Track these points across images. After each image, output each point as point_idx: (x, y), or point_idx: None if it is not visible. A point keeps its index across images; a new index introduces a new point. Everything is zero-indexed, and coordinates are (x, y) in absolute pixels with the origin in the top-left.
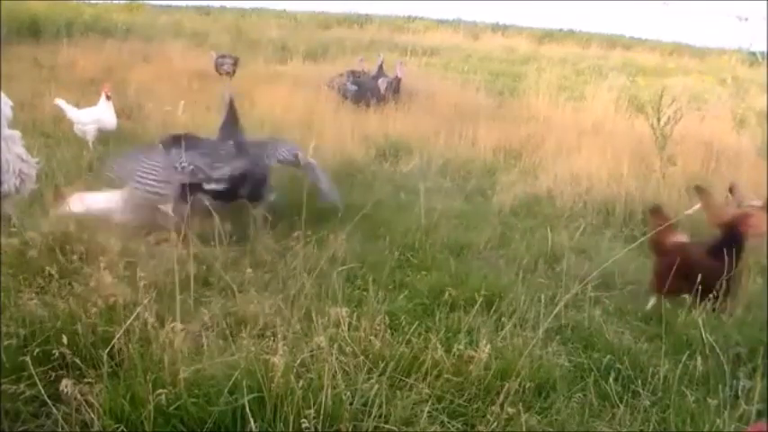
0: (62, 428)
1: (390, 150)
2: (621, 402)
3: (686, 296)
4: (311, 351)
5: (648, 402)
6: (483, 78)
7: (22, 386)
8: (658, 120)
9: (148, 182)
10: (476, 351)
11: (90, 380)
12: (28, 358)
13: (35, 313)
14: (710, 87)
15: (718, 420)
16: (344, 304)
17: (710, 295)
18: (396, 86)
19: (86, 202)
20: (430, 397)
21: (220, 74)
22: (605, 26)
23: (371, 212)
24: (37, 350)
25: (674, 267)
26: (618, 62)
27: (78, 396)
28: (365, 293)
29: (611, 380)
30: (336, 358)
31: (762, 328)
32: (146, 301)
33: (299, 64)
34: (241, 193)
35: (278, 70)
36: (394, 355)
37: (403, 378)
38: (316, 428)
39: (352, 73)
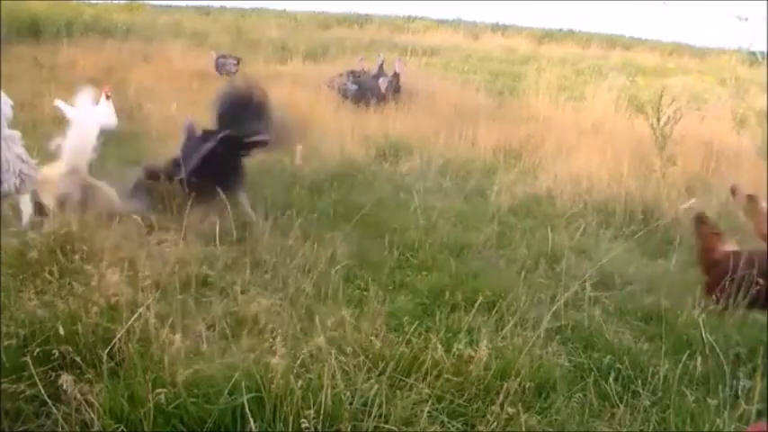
0: (62, 428)
1: (390, 150)
2: (621, 402)
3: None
4: (311, 351)
5: (648, 402)
6: (483, 78)
7: (22, 386)
8: (658, 120)
9: None
10: (476, 351)
11: (89, 377)
12: (28, 358)
13: (35, 313)
14: (710, 87)
15: (718, 420)
16: (345, 304)
17: None
18: (396, 85)
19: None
20: (430, 397)
21: (221, 74)
22: (605, 26)
23: (371, 212)
24: (37, 350)
25: (729, 277)
26: (618, 62)
27: (78, 396)
28: (365, 293)
29: (611, 380)
30: (336, 358)
31: (762, 328)
32: (148, 301)
33: (299, 64)
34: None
35: (278, 70)
36: (394, 355)
37: (403, 378)
38: (315, 428)
39: (352, 73)
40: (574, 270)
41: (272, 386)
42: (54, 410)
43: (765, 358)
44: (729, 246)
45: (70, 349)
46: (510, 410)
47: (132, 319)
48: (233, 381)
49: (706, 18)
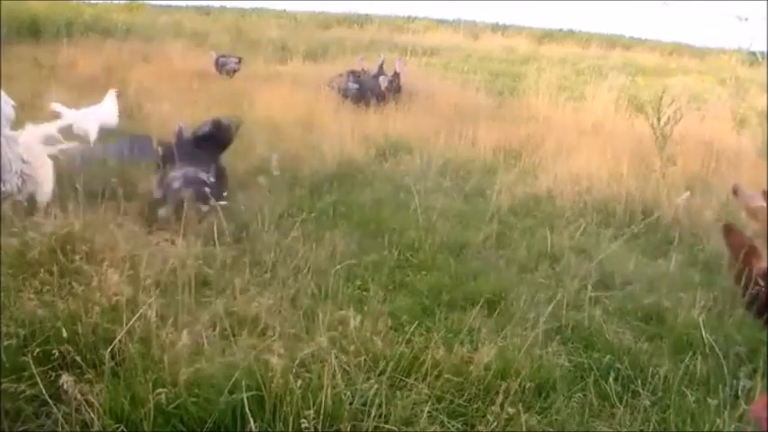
0: (62, 428)
1: (390, 150)
2: (621, 402)
3: None
4: (311, 351)
5: (648, 402)
6: (483, 78)
7: (22, 386)
8: (658, 120)
9: None
10: (476, 351)
11: (90, 377)
12: (28, 358)
13: (35, 313)
14: (710, 87)
15: (718, 420)
16: (345, 304)
17: None
18: (396, 84)
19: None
20: (430, 397)
21: (222, 74)
22: (605, 26)
23: (371, 212)
24: (37, 350)
25: None
26: (618, 62)
27: (78, 395)
28: (365, 293)
29: (611, 380)
30: (336, 358)
31: (762, 328)
32: (150, 301)
33: (299, 64)
34: None
35: (278, 70)
36: (394, 355)
37: (403, 378)
38: (315, 428)
39: (352, 73)
40: (574, 270)
41: (272, 386)
42: (54, 410)
43: (765, 358)
44: (762, 258)
45: (70, 349)
46: (510, 410)
47: (134, 319)
48: (233, 380)
49: (706, 18)
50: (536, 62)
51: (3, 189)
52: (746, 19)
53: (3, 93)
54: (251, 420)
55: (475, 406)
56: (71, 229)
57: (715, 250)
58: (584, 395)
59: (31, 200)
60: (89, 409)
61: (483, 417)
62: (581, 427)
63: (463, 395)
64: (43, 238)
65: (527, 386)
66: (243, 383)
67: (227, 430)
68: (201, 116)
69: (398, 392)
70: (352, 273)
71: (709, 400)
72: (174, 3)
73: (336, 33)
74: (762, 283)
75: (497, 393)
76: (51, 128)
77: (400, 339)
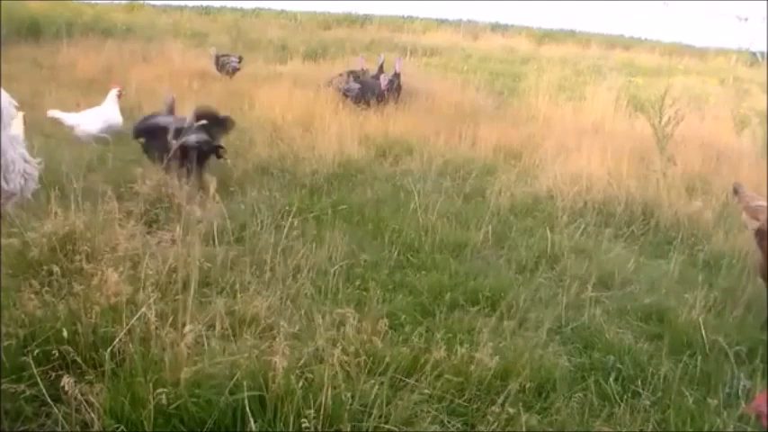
0: (62, 428)
1: (390, 150)
2: (622, 402)
3: None
4: (311, 351)
5: (648, 402)
6: (483, 78)
7: (22, 386)
8: (660, 120)
9: None
10: (476, 351)
11: (90, 377)
12: (28, 358)
13: (35, 313)
14: (710, 87)
15: (718, 420)
16: (345, 304)
17: None
18: (397, 84)
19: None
20: (430, 397)
21: (222, 73)
22: (605, 26)
23: (371, 212)
24: (37, 350)
25: None
26: (618, 62)
27: (78, 396)
28: (365, 293)
29: (611, 380)
30: (337, 358)
31: (762, 328)
32: (150, 301)
33: (299, 64)
34: None
35: (278, 70)
36: (394, 356)
37: (403, 378)
38: (316, 429)
39: (352, 73)
40: (574, 270)
41: (273, 386)
42: (54, 410)
43: (765, 358)
44: None
45: (70, 350)
46: (510, 410)
47: (134, 319)
48: (234, 380)
49: (706, 18)
50: (536, 62)
51: (7, 188)
52: (746, 19)
53: (5, 92)
54: (251, 420)
55: (475, 406)
56: (71, 228)
57: (715, 250)
58: (585, 395)
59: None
60: (89, 410)
61: (483, 417)
62: (581, 427)
63: (463, 395)
64: (43, 238)
65: (527, 386)
66: (244, 384)
67: (228, 430)
68: None
69: (399, 393)
70: (352, 273)
71: (709, 400)
72: (174, 3)
73: (336, 33)
74: None
75: (498, 393)
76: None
77: (400, 339)
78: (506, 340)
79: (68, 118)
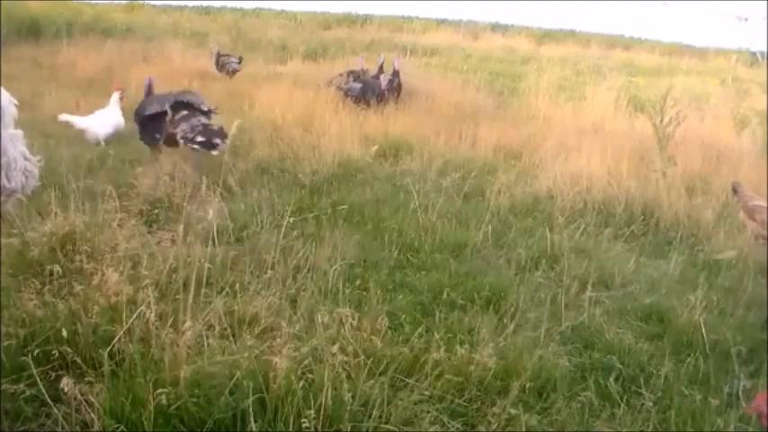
0: (62, 428)
1: (390, 150)
2: (622, 402)
3: None
4: (312, 351)
5: (650, 402)
6: (483, 78)
7: (22, 386)
8: (661, 120)
9: None
10: (476, 351)
11: (90, 378)
12: (28, 358)
13: (35, 313)
14: (711, 88)
15: (719, 420)
16: (345, 304)
17: None
18: (397, 83)
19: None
20: (430, 397)
21: (222, 72)
22: (605, 26)
23: (371, 212)
24: (37, 350)
25: None
26: (618, 62)
27: (78, 396)
28: (365, 293)
29: (611, 380)
30: (337, 358)
31: (762, 328)
32: (150, 300)
33: (299, 64)
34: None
35: (278, 70)
36: (394, 356)
37: (403, 378)
38: (316, 429)
39: (352, 72)
40: (573, 270)
41: (274, 386)
42: (54, 411)
43: (766, 358)
44: None
45: (69, 350)
46: (511, 411)
47: (132, 318)
48: (234, 380)
49: (706, 18)
50: (536, 62)
51: (8, 186)
52: (746, 19)
53: (5, 91)
54: (251, 421)
55: (475, 406)
56: (71, 228)
57: (715, 250)
58: (585, 395)
59: (36, 198)
60: (89, 410)
61: (483, 417)
62: (582, 427)
63: (463, 395)
64: (43, 238)
65: (527, 386)
66: (244, 384)
67: (228, 430)
68: None
69: (399, 393)
70: (352, 272)
71: (710, 400)
72: (174, 3)
73: (336, 33)
74: None
75: (498, 394)
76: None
77: (400, 339)
78: (506, 340)
79: (79, 121)
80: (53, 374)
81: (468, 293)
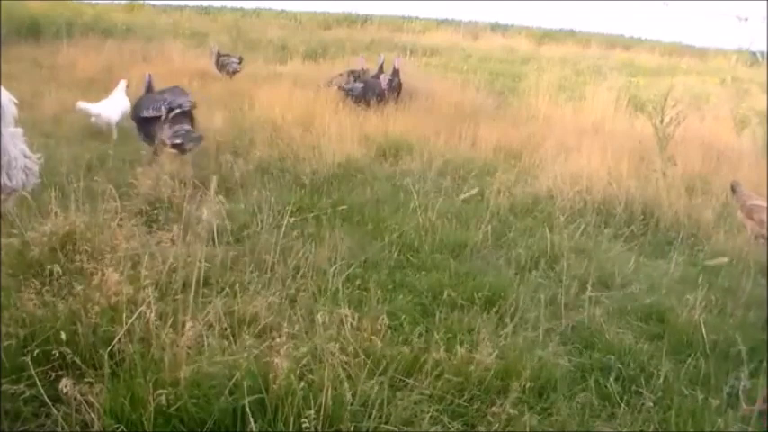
0: (62, 428)
1: (390, 150)
2: (622, 402)
3: None
4: (312, 351)
5: (650, 402)
6: (483, 78)
7: (22, 386)
8: (662, 120)
9: None
10: (476, 351)
11: (90, 380)
12: (28, 358)
13: (35, 313)
14: (711, 88)
15: (719, 420)
16: (345, 304)
17: None
18: (397, 82)
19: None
20: (430, 397)
21: (222, 72)
22: (605, 26)
23: (371, 212)
24: (37, 350)
25: None
26: (618, 62)
27: (78, 396)
28: (365, 293)
29: (611, 380)
30: (337, 358)
31: (762, 328)
32: (149, 300)
33: (299, 64)
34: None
35: (278, 70)
36: (394, 356)
37: (403, 378)
38: (316, 429)
39: (352, 72)
40: (573, 270)
41: (274, 386)
42: (54, 411)
43: (766, 358)
44: None
45: (68, 351)
46: (511, 411)
47: (132, 318)
48: (233, 380)
49: (706, 18)
50: (536, 62)
51: (9, 184)
52: (746, 19)
53: (5, 91)
54: (251, 421)
55: (475, 406)
56: (72, 228)
57: (715, 250)
58: (585, 395)
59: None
60: (89, 410)
61: (483, 417)
62: (582, 427)
63: (463, 395)
64: (43, 238)
65: (528, 386)
66: (243, 384)
67: (228, 430)
68: (202, 115)
69: (399, 393)
70: (352, 272)
71: (710, 400)
72: (174, 3)
73: (336, 33)
74: None
75: (498, 393)
76: None
77: (400, 339)
78: (506, 340)
79: (93, 108)
80: (53, 375)
81: (468, 293)
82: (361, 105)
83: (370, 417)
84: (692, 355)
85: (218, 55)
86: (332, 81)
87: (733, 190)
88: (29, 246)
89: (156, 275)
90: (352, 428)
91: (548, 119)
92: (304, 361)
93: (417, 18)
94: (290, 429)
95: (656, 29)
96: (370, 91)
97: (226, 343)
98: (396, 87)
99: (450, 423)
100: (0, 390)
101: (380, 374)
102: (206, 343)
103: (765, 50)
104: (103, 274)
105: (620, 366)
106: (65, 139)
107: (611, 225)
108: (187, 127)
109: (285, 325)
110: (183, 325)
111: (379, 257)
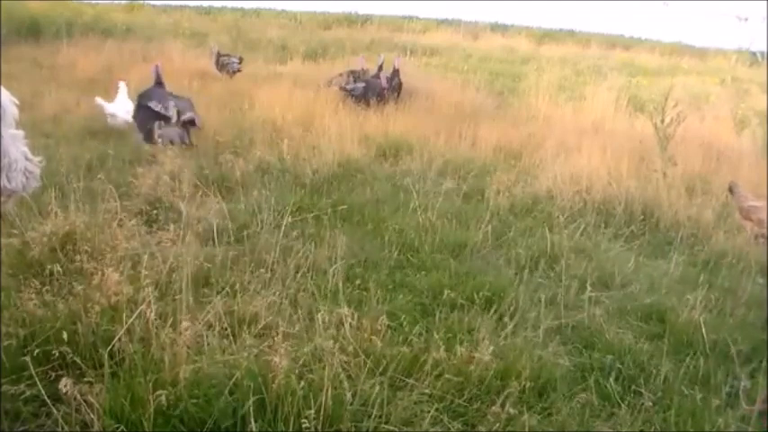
0: (62, 428)
1: (390, 150)
2: (623, 402)
3: None
4: (312, 351)
5: (650, 402)
6: (483, 78)
7: (22, 386)
8: (662, 120)
9: None
10: (476, 351)
11: (90, 380)
12: (28, 358)
13: (35, 313)
14: (711, 88)
15: (719, 420)
16: (345, 304)
17: None
18: (397, 82)
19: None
20: (430, 397)
21: (222, 72)
22: (605, 26)
23: (371, 212)
24: (37, 350)
25: None
26: (618, 62)
27: (78, 396)
28: (365, 293)
29: (611, 380)
30: (337, 358)
31: (762, 327)
32: (149, 300)
33: (299, 64)
34: None
35: (278, 70)
36: (394, 355)
37: (403, 378)
38: (316, 429)
39: (352, 72)
40: (573, 270)
41: (274, 386)
42: (54, 411)
43: (766, 358)
44: None
45: (68, 350)
46: (511, 411)
47: (132, 318)
48: (233, 380)
49: (706, 18)
50: (536, 62)
51: (9, 186)
52: (746, 19)
53: (5, 91)
54: (251, 421)
55: (475, 406)
56: (72, 228)
57: (715, 250)
58: (585, 395)
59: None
60: (89, 410)
61: (483, 417)
62: (582, 427)
63: (463, 395)
64: (43, 238)
65: (527, 386)
66: (243, 384)
67: (228, 430)
68: (202, 115)
69: (399, 393)
70: (352, 272)
71: (711, 400)
72: (174, 3)
73: (336, 33)
74: None
75: (498, 393)
76: None
77: (400, 339)
78: (506, 340)
79: (108, 107)
80: (53, 375)
81: (468, 293)
82: (361, 105)
83: (370, 417)
84: (692, 354)
85: (219, 55)
86: (332, 81)
87: (731, 191)
88: (29, 246)
89: (156, 275)
90: (352, 428)
91: (548, 119)
92: (304, 360)
93: (417, 18)
94: (290, 429)
95: (656, 29)
96: (370, 90)
97: (226, 343)
98: (395, 87)
99: (450, 423)
100: (0, 390)
101: (380, 374)
102: (206, 343)
103: (765, 50)
104: (103, 274)
105: (619, 366)
106: (65, 139)
107: (611, 225)
108: (182, 133)
109: (285, 325)
110: (183, 325)
111: (378, 257)
